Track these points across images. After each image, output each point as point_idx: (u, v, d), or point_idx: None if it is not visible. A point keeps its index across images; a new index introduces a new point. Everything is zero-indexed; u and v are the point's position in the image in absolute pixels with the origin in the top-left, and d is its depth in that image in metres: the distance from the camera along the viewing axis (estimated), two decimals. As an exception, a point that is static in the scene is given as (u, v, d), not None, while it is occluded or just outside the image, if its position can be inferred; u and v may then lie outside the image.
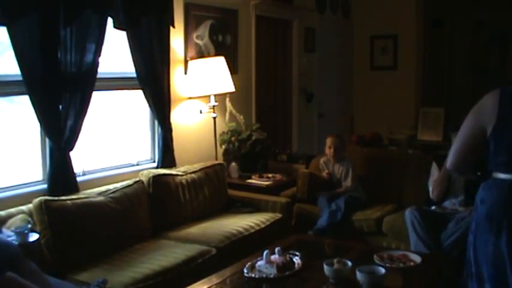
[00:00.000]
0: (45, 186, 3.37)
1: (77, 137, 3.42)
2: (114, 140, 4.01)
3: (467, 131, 2.27)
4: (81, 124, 3.42)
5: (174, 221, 3.79)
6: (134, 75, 3.86)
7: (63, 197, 3.19)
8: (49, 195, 3.20)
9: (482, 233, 2.22)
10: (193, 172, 4.09)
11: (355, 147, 4.95)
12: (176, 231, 3.69)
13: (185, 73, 4.41)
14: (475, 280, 2.26)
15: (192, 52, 4.46)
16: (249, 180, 4.56)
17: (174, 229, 3.71)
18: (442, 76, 7.00)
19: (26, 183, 3.36)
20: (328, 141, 4.50)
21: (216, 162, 4.43)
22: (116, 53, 3.88)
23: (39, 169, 3.43)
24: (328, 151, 4.48)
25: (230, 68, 4.50)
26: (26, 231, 2.76)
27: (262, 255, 2.81)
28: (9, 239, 2.66)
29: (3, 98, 3.32)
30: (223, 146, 4.71)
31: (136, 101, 4.08)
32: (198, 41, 4.54)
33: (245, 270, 2.76)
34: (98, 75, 3.51)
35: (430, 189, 3.97)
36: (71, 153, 3.41)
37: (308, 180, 4.42)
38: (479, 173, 2.49)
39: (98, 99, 3.67)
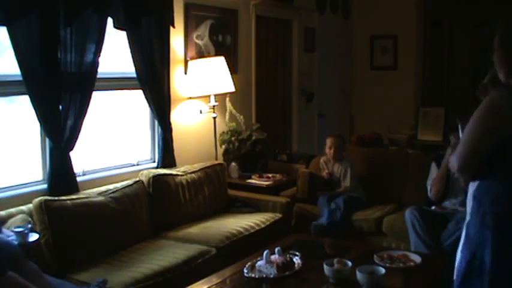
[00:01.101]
0: (45, 186, 3.37)
1: (77, 137, 3.42)
2: (114, 140, 4.01)
3: (481, 137, 2.11)
4: (81, 124, 3.42)
5: (174, 221, 3.79)
6: (134, 75, 3.86)
7: (63, 197, 3.19)
8: (49, 195, 3.20)
9: (507, 226, 2.06)
10: (193, 172, 4.09)
11: (355, 147, 4.94)
12: (176, 231, 3.69)
13: (185, 73, 4.41)
14: (487, 281, 2.08)
15: (192, 52, 4.46)
16: (249, 180, 4.56)
17: (174, 229, 3.72)
18: (442, 76, 6.99)
19: (26, 183, 3.36)
20: (329, 141, 4.49)
21: (216, 162, 4.43)
22: (115, 53, 3.88)
23: (39, 169, 3.43)
24: (329, 151, 4.48)
25: (230, 68, 4.50)
26: (26, 231, 2.75)
27: (262, 255, 2.81)
28: (9, 239, 2.66)
29: (3, 98, 3.33)
30: (223, 146, 4.71)
31: (136, 101, 4.08)
32: (198, 41, 4.54)
33: (245, 270, 2.76)
34: (98, 75, 3.51)
35: (429, 188, 3.97)
36: (71, 153, 3.41)
37: (308, 180, 4.42)
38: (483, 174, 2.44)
39: (98, 99, 3.67)
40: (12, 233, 2.73)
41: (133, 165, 4.08)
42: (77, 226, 3.15)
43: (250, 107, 5.22)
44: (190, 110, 4.50)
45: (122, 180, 3.67)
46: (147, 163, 4.18)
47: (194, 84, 4.35)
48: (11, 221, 2.95)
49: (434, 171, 3.99)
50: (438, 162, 3.98)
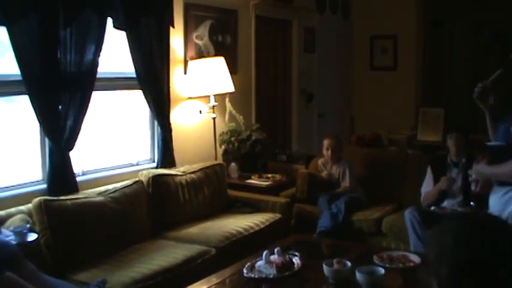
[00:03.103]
0: (44, 186, 3.37)
1: (77, 137, 3.42)
2: (114, 140, 4.00)
3: None
4: (81, 124, 3.42)
5: (173, 221, 3.79)
6: (134, 75, 3.86)
7: (63, 197, 3.19)
8: (48, 195, 3.21)
9: None
10: (193, 172, 4.09)
11: (354, 147, 4.94)
12: (176, 231, 3.69)
13: (185, 73, 4.41)
14: None
15: (191, 52, 4.46)
16: (249, 181, 4.55)
17: (173, 229, 3.71)
18: (442, 76, 6.99)
19: (25, 183, 3.36)
20: (326, 142, 4.49)
21: (216, 162, 4.43)
22: (115, 53, 3.88)
23: (39, 169, 3.43)
24: (326, 153, 4.47)
25: (230, 68, 4.50)
26: (25, 231, 2.76)
27: (261, 255, 2.81)
28: (8, 239, 2.66)
29: (3, 98, 3.33)
30: (223, 146, 4.71)
31: (136, 101, 4.08)
32: (198, 41, 4.54)
33: (245, 271, 2.76)
34: (98, 75, 3.51)
35: (422, 196, 3.98)
36: (71, 153, 3.41)
37: (307, 180, 4.41)
38: None
39: (98, 99, 3.67)
40: (11, 233, 2.74)
41: (133, 165, 4.08)
42: (76, 226, 3.15)
43: (250, 107, 5.22)
44: (190, 110, 4.49)
45: (122, 180, 3.67)
46: (146, 163, 4.18)
47: (194, 85, 4.35)
48: (10, 220, 2.95)
49: (429, 177, 3.99)
50: (434, 165, 3.98)
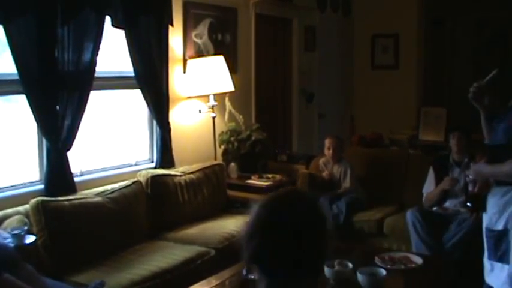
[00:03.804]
0: (42, 186, 3.34)
1: (75, 137, 3.39)
2: (112, 140, 3.98)
3: None
4: (79, 124, 3.40)
5: (172, 221, 3.77)
6: (132, 74, 3.84)
7: (60, 198, 3.17)
8: (46, 196, 3.17)
9: None
10: (192, 172, 4.06)
11: (356, 147, 4.92)
12: (175, 232, 3.66)
13: (184, 72, 4.38)
14: None
15: (191, 51, 4.43)
16: (249, 181, 4.52)
17: (172, 230, 3.69)
18: (444, 75, 6.96)
19: (22, 184, 3.34)
20: (327, 142, 4.47)
21: (215, 162, 4.40)
22: (114, 51, 3.85)
23: (36, 169, 3.41)
24: (327, 152, 4.45)
25: (229, 67, 4.47)
26: (23, 233, 2.74)
27: (261, 256, 2.77)
28: (6, 241, 2.64)
29: (0, 97, 3.30)
30: (223, 146, 4.68)
31: (134, 100, 4.06)
32: (197, 40, 4.50)
33: (244, 272, 2.73)
34: (96, 75, 3.49)
35: (424, 196, 3.96)
36: (68, 154, 3.38)
37: (308, 180, 4.39)
38: None
39: (96, 98, 3.64)
40: (8, 235, 2.71)
41: (132, 165, 4.05)
42: (74, 227, 3.13)
43: (249, 107, 5.19)
44: (189, 109, 4.47)
45: (120, 181, 3.64)
46: (145, 163, 4.15)
47: (193, 84, 4.32)
48: (7, 222, 2.92)
49: (431, 177, 3.97)
50: (436, 165, 3.96)
